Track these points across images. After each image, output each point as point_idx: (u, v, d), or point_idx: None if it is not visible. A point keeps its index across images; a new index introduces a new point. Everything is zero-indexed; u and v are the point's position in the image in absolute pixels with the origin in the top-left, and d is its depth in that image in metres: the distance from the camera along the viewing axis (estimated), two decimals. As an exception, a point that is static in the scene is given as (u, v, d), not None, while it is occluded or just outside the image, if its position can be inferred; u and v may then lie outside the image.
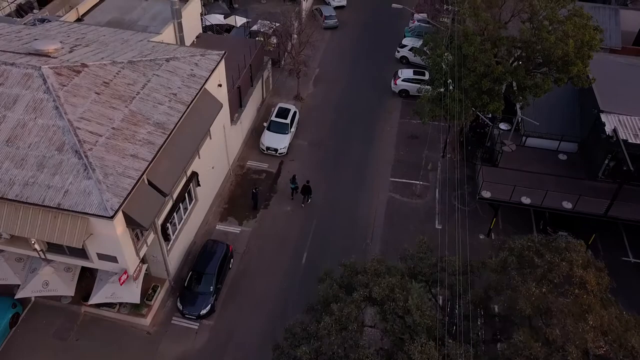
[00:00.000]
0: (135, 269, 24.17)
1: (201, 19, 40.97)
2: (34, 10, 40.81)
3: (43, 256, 23.93)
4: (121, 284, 23.90)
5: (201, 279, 27.72)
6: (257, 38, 42.84)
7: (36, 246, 23.09)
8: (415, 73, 43.02)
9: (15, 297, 25.44)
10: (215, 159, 31.73)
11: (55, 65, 23.57)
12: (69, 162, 21.34)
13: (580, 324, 16.87)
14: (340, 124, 40.18)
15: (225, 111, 31.57)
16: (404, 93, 42.76)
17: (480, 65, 29.28)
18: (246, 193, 33.92)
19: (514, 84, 31.03)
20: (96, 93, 23.66)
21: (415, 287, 19.35)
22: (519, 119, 33.41)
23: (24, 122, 22.26)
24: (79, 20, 35.47)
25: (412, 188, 35.20)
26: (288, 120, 37.76)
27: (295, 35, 40.47)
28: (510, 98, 32.44)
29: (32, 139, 21.92)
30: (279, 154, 36.95)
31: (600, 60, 31.71)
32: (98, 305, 26.07)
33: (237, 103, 35.55)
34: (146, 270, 26.17)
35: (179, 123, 24.86)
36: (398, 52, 47.11)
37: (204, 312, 26.97)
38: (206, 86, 27.64)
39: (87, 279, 26.37)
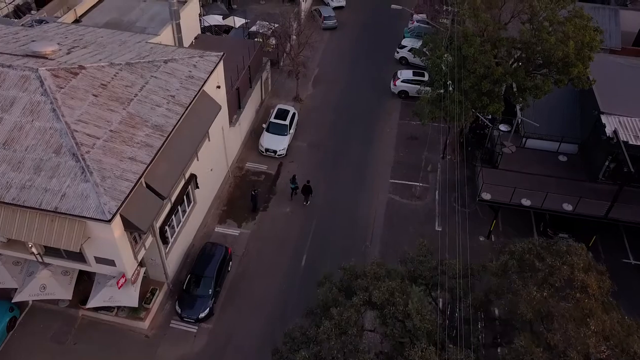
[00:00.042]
0: (134, 273, 24.00)
1: (200, 19, 40.80)
2: (32, 11, 40.65)
3: (40, 260, 23.78)
4: (119, 288, 23.74)
5: (200, 282, 27.57)
6: (255, 39, 42.69)
7: (33, 250, 22.93)
8: (414, 74, 42.86)
9: (13, 301, 25.28)
10: (214, 161, 31.57)
11: (53, 67, 23.40)
12: (66, 165, 21.18)
13: (582, 329, 16.74)
14: (340, 125, 40.04)
15: (223, 113, 31.41)
16: (403, 94, 42.62)
17: (480, 67, 29.15)
18: (245, 195, 33.76)
19: (514, 85, 30.88)
20: (94, 95, 23.50)
21: (415, 291, 19.23)
22: (519, 120, 33.27)
23: (21, 125, 22.09)
24: (77, 21, 35.28)
25: (411, 190, 35.06)
26: (287, 122, 37.61)
27: (294, 36, 40.32)
28: (510, 99, 32.30)
29: (29, 141, 21.75)
30: (278, 155, 36.80)
31: (600, 61, 31.55)
32: (96, 309, 25.92)
33: (236, 104, 35.40)
34: (144, 273, 26.01)
35: (177, 125, 24.71)
36: (397, 52, 46.98)
37: (202, 315, 26.81)
38: (205, 88, 27.49)
39: (84, 283, 26.22)
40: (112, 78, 24.67)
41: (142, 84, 25.34)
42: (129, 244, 22.69)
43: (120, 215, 21.03)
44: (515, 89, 31.09)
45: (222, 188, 34.14)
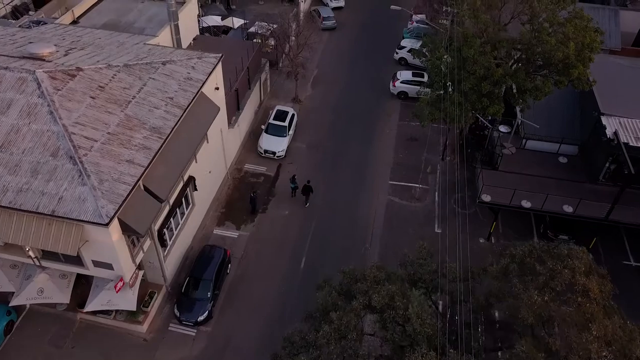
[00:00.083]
0: (132, 276, 23.82)
1: (198, 20, 40.60)
2: (30, 12, 40.47)
3: (38, 263, 23.61)
4: (117, 291, 23.58)
5: (198, 285, 27.42)
6: (254, 40, 42.52)
7: (30, 253, 22.77)
8: (414, 75, 42.76)
9: (10, 305, 25.09)
10: (213, 162, 31.41)
11: (50, 69, 23.22)
12: (64, 168, 21.00)
13: (583, 334, 16.60)
14: (339, 127, 39.89)
15: (222, 114, 31.24)
16: (402, 95, 42.48)
17: (480, 68, 29.02)
18: (244, 197, 33.60)
19: (514, 86, 30.75)
20: (91, 97, 23.32)
21: (416, 295, 19.09)
22: (519, 121, 33.14)
23: (18, 127, 21.90)
24: (74, 22, 35.07)
25: (411, 191, 34.92)
26: (286, 123, 37.45)
27: (293, 37, 40.16)
28: (510, 101, 32.16)
29: (26, 144, 21.56)
30: (277, 157, 36.64)
31: (600, 62, 31.41)
32: (94, 312, 25.75)
33: (235, 106, 35.23)
34: (143, 276, 25.86)
35: (175, 127, 24.53)
36: (397, 53, 46.84)
37: (201, 318, 26.66)
38: (203, 89, 27.31)
39: (82, 286, 26.04)
40: (110, 80, 24.50)
41: (140, 85, 25.16)
42: (126, 248, 22.52)
43: (118, 219, 20.86)
44: (515, 91, 30.95)
45: (220, 190, 33.98)
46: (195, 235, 30.72)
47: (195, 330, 26.75)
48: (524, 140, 33.68)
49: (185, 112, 25.43)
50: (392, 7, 42.55)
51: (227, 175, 34.84)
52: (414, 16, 48.91)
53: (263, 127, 37.86)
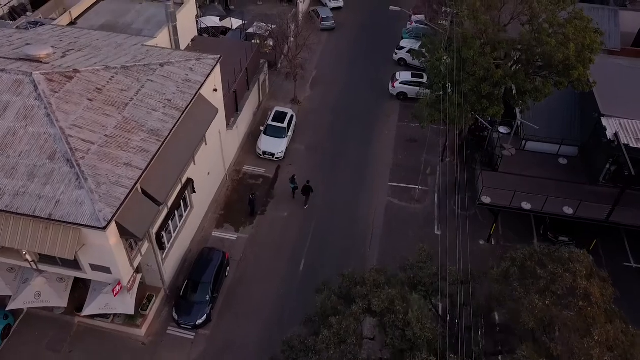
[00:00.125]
0: (130, 280, 23.66)
1: (196, 21, 40.42)
2: (27, 13, 40.24)
3: (35, 267, 23.44)
4: (115, 295, 23.40)
5: (197, 288, 27.25)
6: (253, 41, 42.35)
7: (27, 257, 22.61)
8: (413, 76, 42.64)
9: (7, 309, 24.89)
10: (211, 164, 31.25)
11: (47, 71, 23.05)
12: (61, 171, 20.83)
13: (585, 339, 16.44)
14: (338, 128, 39.74)
15: (221, 116, 31.09)
16: (402, 96, 42.34)
17: (480, 69, 28.87)
18: (243, 199, 33.44)
19: (514, 88, 30.60)
20: (89, 100, 23.15)
21: (416, 299, 18.97)
22: (519, 122, 33.00)
23: (15, 130, 21.72)
24: (72, 23, 34.89)
25: (410, 192, 34.79)
26: (285, 124, 37.30)
27: (292, 38, 40.00)
28: (509, 102, 32.03)
29: (23, 147, 21.39)
30: (276, 158, 36.48)
31: (600, 63, 31.27)
32: (92, 316, 25.54)
33: (233, 107, 35.08)
34: (141, 279, 25.70)
35: (173, 129, 24.36)
36: (396, 54, 46.70)
37: (200, 321, 26.49)
38: (201, 91, 27.14)
39: (80, 290, 25.87)
40: (108, 82, 24.33)
41: (138, 87, 24.99)
42: (124, 251, 22.35)
43: (116, 222, 20.71)
44: (515, 92, 30.82)
45: (219, 192, 33.81)
46: (193, 238, 30.56)
47: (193, 334, 26.59)
48: (523, 142, 33.54)
49: (184, 114, 25.26)
50: (392, 7, 42.44)
51: (225, 177, 34.68)
52: (413, 17, 48.77)
53: (262, 128, 37.68)
